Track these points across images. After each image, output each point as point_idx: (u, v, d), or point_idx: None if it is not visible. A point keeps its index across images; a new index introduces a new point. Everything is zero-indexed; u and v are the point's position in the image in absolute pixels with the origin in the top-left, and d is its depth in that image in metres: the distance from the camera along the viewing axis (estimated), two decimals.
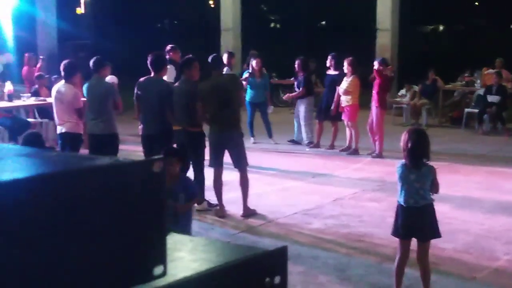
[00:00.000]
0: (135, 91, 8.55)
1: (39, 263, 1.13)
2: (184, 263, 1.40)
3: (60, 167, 1.29)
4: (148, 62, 8.44)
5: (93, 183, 1.21)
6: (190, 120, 8.24)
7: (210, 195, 8.44)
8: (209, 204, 8.43)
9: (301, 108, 12.89)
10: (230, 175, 8.71)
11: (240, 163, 8.20)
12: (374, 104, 11.79)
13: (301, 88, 12.76)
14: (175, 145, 8.67)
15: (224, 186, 8.41)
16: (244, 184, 8.19)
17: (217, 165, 8.25)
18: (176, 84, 8.66)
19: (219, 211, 8.25)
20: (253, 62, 12.96)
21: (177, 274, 1.32)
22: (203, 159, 8.41)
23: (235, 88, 8.37)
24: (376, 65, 11.82)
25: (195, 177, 8.30)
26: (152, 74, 8.43)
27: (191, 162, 8.31)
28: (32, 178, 1.15)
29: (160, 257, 1.31)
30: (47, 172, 1.22)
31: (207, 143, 8.39)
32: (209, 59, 8.43)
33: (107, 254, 1.22)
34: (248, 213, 8.16)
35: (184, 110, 8.22)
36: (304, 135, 13.03)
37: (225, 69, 12.31)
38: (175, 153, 6.44)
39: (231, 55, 13.30)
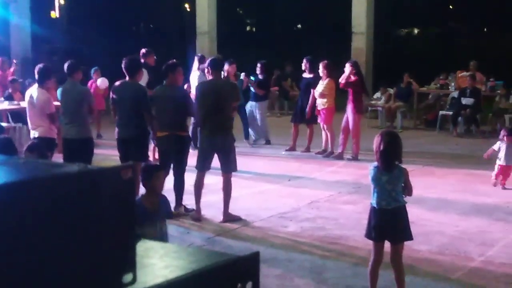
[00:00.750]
0: (111, 95, 8.54)
1: (4, 273, 1.11)
2: (154, 270, 1.39)
3: (28, 175, 1.27)
4: (123, 66, 8.43)
5: (61, 190, 1.20)
6: (179, 124, 8.25)
7: (187, 199, 8.42)
8: (186, 209, 8.40)
9: (258, 111, 13.35)
10: (209, 179, 8.69)
11: (228, 168, 8.17)
12: (350, 110, 11.85)
13: (259, 89, 13.27)
14: (151, 151, 8.66)
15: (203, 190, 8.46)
16: (226, 189, 8.15)
17: (203, 168, 8.24)
18: (158, 88, 8.61)
19: (195, 214, 8.22)
20: (229, 68, 12.92)
21: (147, 281, 1.31)
22: (186, 164, 8.41)
23: (232, 96, 8.29)
24: (347, 67, 11.86)
25: (175, 181, 8.30)
26: (127, 78, 8.42)
27: (172, 166, 8.35)
28: None
29: (130, 264, 1.30)
30: (14, 180, 1.21)
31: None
32: (208, 62, 8.42)
33: (75, 262, 1.20)
34: (229, 218, 8.11)
35: (172, 115, 8.20)
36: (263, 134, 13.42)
37: (198, 74, 12.31)
38: (160, 168, 6.36)
39: (202, 58, 13.27)
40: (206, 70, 8.42)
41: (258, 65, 13.58)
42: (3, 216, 1.11)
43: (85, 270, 1.22)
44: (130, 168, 1.29)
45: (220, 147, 8.11)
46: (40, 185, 1.18)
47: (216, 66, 8.35)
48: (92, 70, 14.87)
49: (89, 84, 14.44)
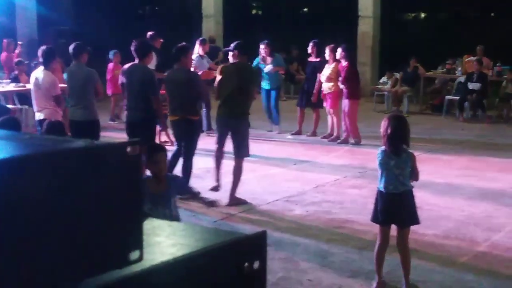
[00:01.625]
0: (120, 78, 8.55)
1: (12, 247, 1.10)
2: (161, 248, 1.38)
3: (34, 149, 1.26)
4: (132, 48, 8.41)
5: (68, 166, 1.18)
6: (190, 108, 8.24)
7: (193, 183, 8.42)
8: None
9: None
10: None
11: (240, 152, 8.19)
12: (345, 96, 11.78)
13: None
14: (158, 135, 8.63)
15: (208, 173, 8.45)
16: (236, 173, 8.17)
17: (220, 144, 8.34)
18: (169, 72, 8.56)
19: (214, 183, 8.37)
20: (263, 48, 12.85)
21: (154, 259, 1.30)
22: (195, 148, 8.42)
23: (254, 81, 8.34)
24: (339, 51, 11.76)
25: (183, 164, 8.32)
26: (137, 61, 8.41)
27: (182, 149, 8.38)
28: (5, 161, 1.12)
29: (137, 242, 1.29)
30: (21, 154, 1.19)
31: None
32: (235, 45, 8.39)
33: (82, 239, 1.19)
34: (235, 202, 8.11)
35: (184, 99, 8.19)
36: None
37: (195, 57, 12.25)
38: (161, 149, 5.75)
39: (203, 42, 13.19)
40: (232, 53, 8.39)
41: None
42: (10, 190, 1.09)
43: (91, 246, 1.21)
44: (136, 144, 1.27)
45: (234, 129, 8.13)
46: (47, 160, 1.17)
47: (243, 50, 8.33)
48: (112, 53, 14.61)
49: (109, 67, 14.37)
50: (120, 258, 1.26)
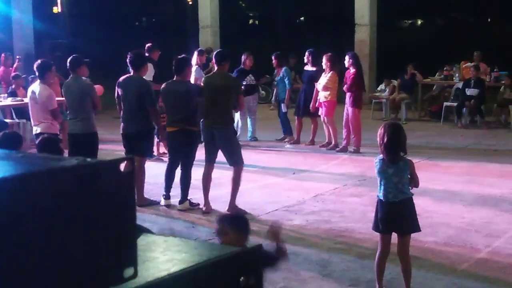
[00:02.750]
0: (116, 90, 8.55)
1: (5, 266, 1.09)
2: (156, 264, 1.37)
3: (26, 169, 1.25)
4: (128, 60, 8.42)
5: (60, 184, 1.17)
6: (189, 119, 8.23)
7: (192, 194, 8.41)
8: (191, 204, 8.38)
9: (252, 103, 13.09)
10: (214, 173, 8.68)
11: (233, 160, 8.16)
12: (349, 104, 11.79)
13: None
14: (155, 146, 8.58)
15: None
16: (235, 181, 8.14)
17: (208, 161, 8.27)
18: (168, 83, 8.50)
19: (204, 207, 8.21)
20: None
21: (149, 275, 1.29)
22: (194, 159, 8.39)
23: (230, 91, 8.22)
24: (347, 59, 11.80)
25: (181, 175, 8.30)
26: (132, 73, 8.41)
27: (181, 159, 8.36)
28: None
29: (131, 258, 1.27)
30: (12, 174, 1.18)
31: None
32: (214, 55, 8.39)
33: (76, 257, 1.18)
34: (236, 212, 8.08)
35: (185, 110, 8.17)
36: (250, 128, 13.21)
37: (194, 68, 12.28)
38: (231, 222, 4.51)
39: (201, 53, 13.22)
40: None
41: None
42: (1, 210, 1.08)
43: (85, 264, 1.20)
44: (128, 161, 1.27)
45: (218, 140, 8.10)
46: (38, 179, 1.16)
47: (218, 59, 8.33)
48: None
49: None
50: (114, 275, 1.25)
